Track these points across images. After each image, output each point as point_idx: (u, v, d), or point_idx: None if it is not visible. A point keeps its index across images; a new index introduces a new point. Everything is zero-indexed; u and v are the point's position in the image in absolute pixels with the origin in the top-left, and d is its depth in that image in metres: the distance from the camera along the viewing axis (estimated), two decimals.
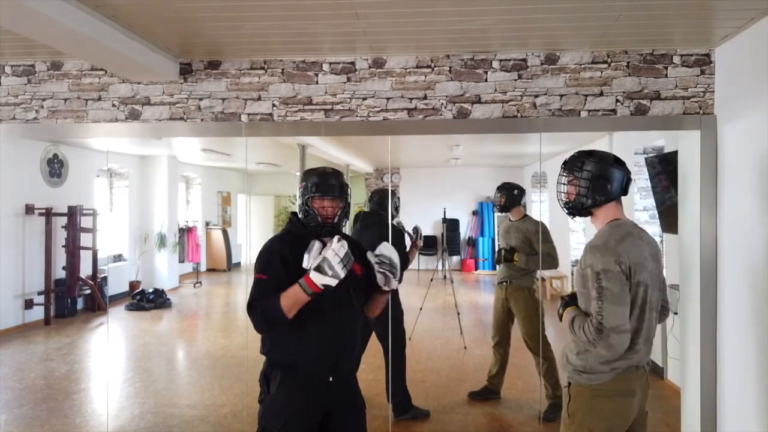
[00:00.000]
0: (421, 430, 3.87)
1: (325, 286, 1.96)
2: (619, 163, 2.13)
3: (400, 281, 3.99)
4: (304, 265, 2.02)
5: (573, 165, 2.13)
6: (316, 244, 2.05)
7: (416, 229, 4.26)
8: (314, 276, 1.96)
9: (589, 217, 2.16)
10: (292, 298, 1.99)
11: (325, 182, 2.19)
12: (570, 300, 2.14)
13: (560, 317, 2.14)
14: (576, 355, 2.07)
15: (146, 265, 8.16)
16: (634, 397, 2.03)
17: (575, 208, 2.13)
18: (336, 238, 2.01)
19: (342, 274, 1.96)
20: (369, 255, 2.19)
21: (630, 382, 2.02)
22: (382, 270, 2.15)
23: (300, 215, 2.25)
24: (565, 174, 2.16)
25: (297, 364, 2.13)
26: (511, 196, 4.25)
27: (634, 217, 5.43)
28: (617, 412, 2.01)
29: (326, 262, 1.95)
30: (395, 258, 2.17)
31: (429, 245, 6.39)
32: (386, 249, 2.17)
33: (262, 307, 2.02)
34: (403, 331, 4.15)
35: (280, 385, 2.12)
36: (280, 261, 2.11)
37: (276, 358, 2.17)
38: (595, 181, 2.06)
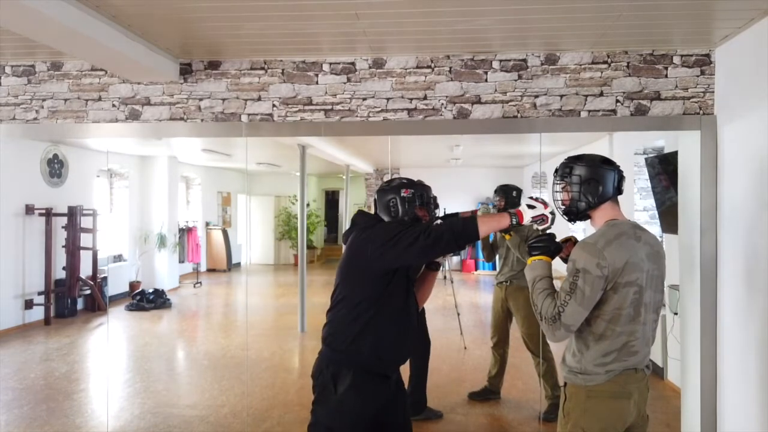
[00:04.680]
0: (422, 431, 3.88)
1: (540, 219, 2.16)
2: (608, 163, 2.14)
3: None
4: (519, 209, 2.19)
5: (563, 171, 2.17)
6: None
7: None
8: (526, 212, 2.15)
9: (589, 221, 2.19)
10: (489, 221, 2.14)
11: (430, 196, 2.47)
12: (544, 248, 2.14)
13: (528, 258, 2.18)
14: (572, 356, 2.07)
15: (146, 266, 8.18)
16: (631, 399, 2.02)
17: (572, 213, 2.17)
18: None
19: (549, 205, 2.18)
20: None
21: (626, 385, 2.01)
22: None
23: (387, 218, 2.36)
24: (558, 181, 2.20)
25: (373, 364, 2.15)
26: (510, 198, 4.26)
27: (634, 218, 5.43)
28: (612, 414, 2.01)
29: (530, 201, 2.20)
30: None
31: None
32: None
33: (450, 222, 2.11)
34: (427, 333, 4.13)
35: (351, 386, 2.11)
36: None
37: (348, 358, 2.16)
38: (585, 185, 2.09)
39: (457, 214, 2.44)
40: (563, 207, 2.19)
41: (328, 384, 2.14)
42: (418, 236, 2.06)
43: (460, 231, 2.05)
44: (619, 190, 2.13)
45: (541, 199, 2.18)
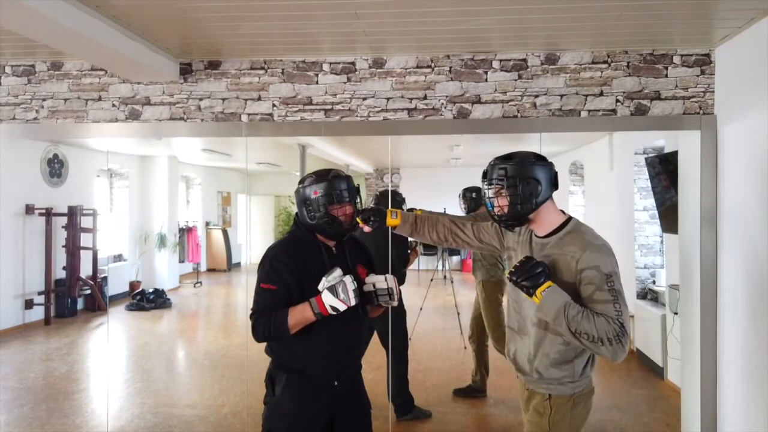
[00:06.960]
0: (421, 431, 3.88)
1: (333, 308, 1.97)
2: (540, 159, 1.96)
3: (402, 282, 3.90)
4: (320, 287, 2.01)
5: (497, 174, 1.92)
6: (338, 271, 2.03)
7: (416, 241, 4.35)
8: (325, 296, 1.98)
9: (525, 225, 2.00)
10: (298, 316, 2.01)
11: (348, 187, 2.14)
12: (543, 273, 1.81)
13: (530, 293, 1.82)
14: (555, 367, 1.96)
15: (146, 265, 8.16)
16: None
17: (513, 219, 1.93)
18: (350, 276, 2.01)
19: (353, 302, 1.98)
20: (366, 286, 2.15)
21: (591, 382, 2.03)
22: (383, 299, 2.14)
23: (311, 221, 2.14)
24: (489, 187, 1.95)
25: (303, 368, 2.12)
26: (469, 200, 4.32)
27: (634, 217, 5.43)
28: (587, 413, 2.03)
29: (342, 285, 1.97)
30: (391, 283, 2.14)
31: (429, 245, 6.39)
32: (380, 282, 2.14)
33: (267, 319, 2.02)
34: (406, 332, 4.15)
35: (285, 388, 2.11)
36: (287, 270, 2.07)
37: (282, 361, 2.15)
38: (524, 185, 1.88)
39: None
40: (501, 213, 1.95)
41: (269, 386, 2.16)
42: (255, 312, 2.06)
43: (272, 331, 2.01)
44: (555, 185, 1.95)
45: (347, 294, 1.96)
